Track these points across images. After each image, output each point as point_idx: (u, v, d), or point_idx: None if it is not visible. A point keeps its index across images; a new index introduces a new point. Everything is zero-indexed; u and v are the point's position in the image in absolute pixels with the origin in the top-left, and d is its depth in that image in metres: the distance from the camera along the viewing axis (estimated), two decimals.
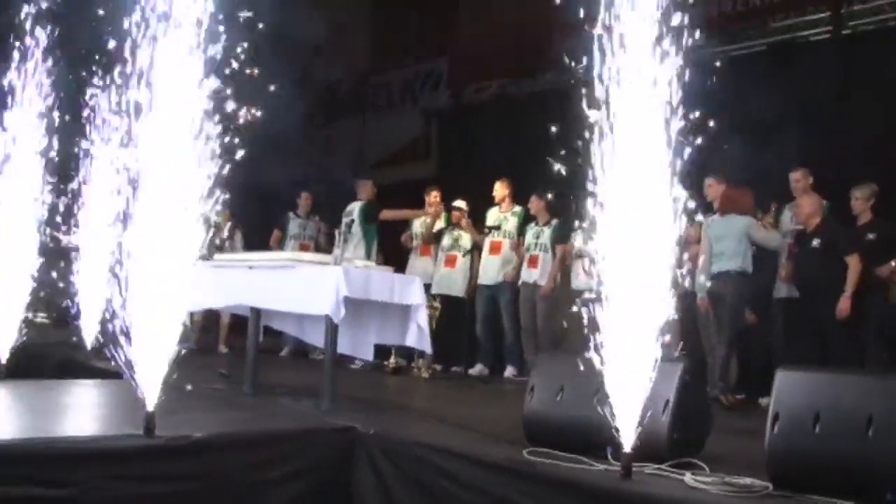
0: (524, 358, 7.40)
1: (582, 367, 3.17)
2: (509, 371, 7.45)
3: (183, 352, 3.27)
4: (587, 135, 3.12)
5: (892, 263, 5.28)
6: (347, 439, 3.73)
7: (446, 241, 7.78)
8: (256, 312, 5.02)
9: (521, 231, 7.55)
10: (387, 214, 7.71)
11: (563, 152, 3.27)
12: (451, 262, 7.78)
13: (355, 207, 7.57)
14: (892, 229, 5.40)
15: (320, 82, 13.31)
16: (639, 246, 3.03)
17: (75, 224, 6.08)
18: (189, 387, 3.67)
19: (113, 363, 3.27)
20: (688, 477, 2.91)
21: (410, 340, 4.53)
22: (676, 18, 3.03)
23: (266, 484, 3.43)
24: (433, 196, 7.96)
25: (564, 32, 10.15)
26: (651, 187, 3.07)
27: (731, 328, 5.55)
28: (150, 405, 3.20)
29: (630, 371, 2.97)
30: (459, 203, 7.74)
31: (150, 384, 3.21)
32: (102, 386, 4.70)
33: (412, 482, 3.52)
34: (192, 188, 3.30)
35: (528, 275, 7.38)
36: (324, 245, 8.59)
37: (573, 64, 3.45)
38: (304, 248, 8.55)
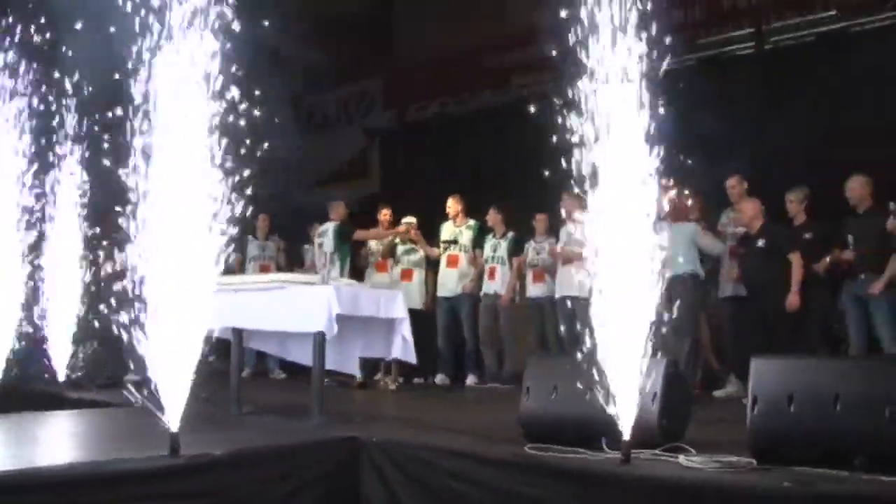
0: (484, 366, 7.74)
1: (572, 368, 3.48)
2: (470, 379, 7.73)
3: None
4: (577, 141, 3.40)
5: (827, 260, 5.79)
6: (352, 449, 3.92)
7: (401, 255, 8.02)
8: (238, 334, 5.18)
9: (478, 243, 7.85)
10: (360, 235, 7.88)
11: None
12: (407, 275, 8.04)
13: (329, 228, 7.70)
14: (826, 228, 5.91)
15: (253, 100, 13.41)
16: (623, 250, 3.35)
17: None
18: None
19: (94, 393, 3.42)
20: (681, 458, 3.23)
21: (396, 353, 4.75)
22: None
23: (283, 497, 3.60)
24: (384, 214, 8.20)
25: (496, 52, 10.64)
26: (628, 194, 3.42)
27: (690, 329, 5.95)
28: (174, 427, 3.35)
29: (624, 366, 3.28)
30: (409, 219, 7.99)
31: (173, 406, 3.36)
32: (98, 414, 4.76)
33: (419, 485, 3.72)
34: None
35: (488, 286, 7.72)
36: (283, 264, 8.74)
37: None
38: (264, 269, 8.68)
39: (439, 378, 7.83)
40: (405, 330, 4.72)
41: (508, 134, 9.06)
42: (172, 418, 3.35)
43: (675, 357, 5.98)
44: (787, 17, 7.78)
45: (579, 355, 3.43)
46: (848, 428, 3.02)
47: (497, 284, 7.69)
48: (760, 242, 5.81)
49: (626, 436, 3.26)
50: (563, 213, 7.32)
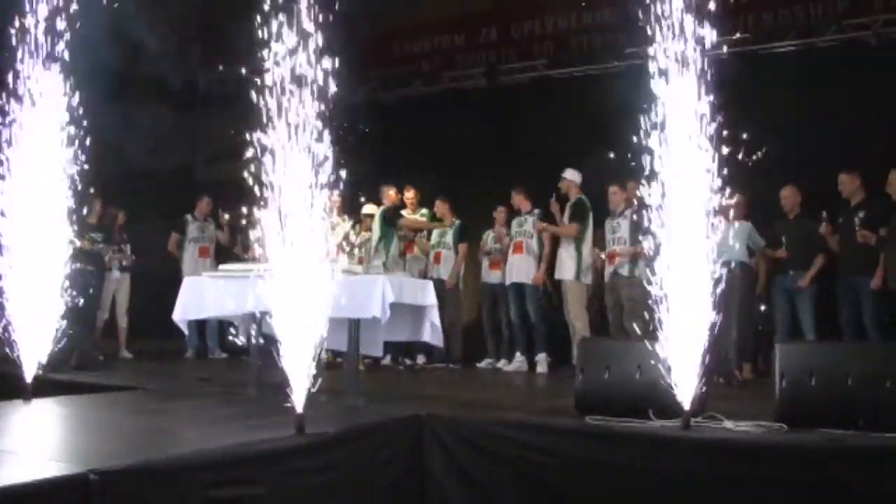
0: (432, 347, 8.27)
1: (625, 349, 4.14)
2: (420, 359, 8.21)
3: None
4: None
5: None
6: (417, 425, 4.36)
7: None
8: (258, 319, 5.41)
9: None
10: (408, 223, 8.04)
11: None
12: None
13: (376, 212, 7.86)
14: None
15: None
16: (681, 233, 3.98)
17: None
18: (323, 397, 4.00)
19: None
20: (727, 423, 3.98)
21: (426, 336, 5.20)
22: None
23: (375, 470, 4.01)
24: (410, 195, 8.50)
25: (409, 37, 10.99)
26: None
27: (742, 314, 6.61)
28: (300, 408, 3.68)
29: (683, 344, 3.95)
30: (369, 209, 8.33)
31: (299, 390, 3.68)
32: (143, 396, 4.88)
33: (485, 457, 4.20)
34: None
35: (435, 271, 8.26)
36: (225, 241, 8.80)
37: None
38: (203, 250, 8.71)
39: (387, 359, 8.24)
40: (434, 316, 5.18)
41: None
42: (298, 401, 3.67)
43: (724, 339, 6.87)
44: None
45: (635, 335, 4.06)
46: (856, 397, 3.88)
47: (442, 269, 8.27)
48: None
49: (687, 405, 3.95)
50: (515, 204, 8.04)
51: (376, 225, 7.67)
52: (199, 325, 8.61)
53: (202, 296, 5.36)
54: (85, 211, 7.87)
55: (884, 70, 7.48)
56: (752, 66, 8.25)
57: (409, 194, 8.42)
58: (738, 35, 8.29)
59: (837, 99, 7.39)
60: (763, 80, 7.97)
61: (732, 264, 6.60)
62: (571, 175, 7.59)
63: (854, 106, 7.39)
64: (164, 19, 8.13)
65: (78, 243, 7.62)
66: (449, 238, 8.33)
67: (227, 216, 8.68)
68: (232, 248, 8.68)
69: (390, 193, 7.99)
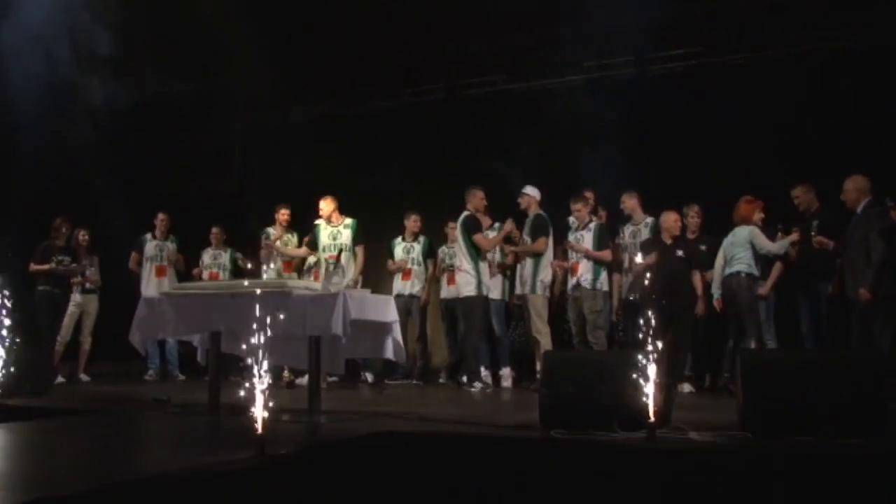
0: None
1: (590, 362, 4.12)
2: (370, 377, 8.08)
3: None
4: None
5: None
6: (380, 443, 4.28)
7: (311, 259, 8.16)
8: (217, 338, 5.31)
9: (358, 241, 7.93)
10: (479, 239, 7.50)
11: None
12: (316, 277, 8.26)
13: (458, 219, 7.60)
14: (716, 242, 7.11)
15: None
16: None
17: None
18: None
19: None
20: (692, 434, 3.97)
21: (389, 354, 5.13)
22: None
23: (337, 489, 3.91)
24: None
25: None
26: None
27: (751, 321, 6.64)
28: (260, 428, 3.58)
29: (648, 358, 3.95)
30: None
31: (259, 410, 3.58)
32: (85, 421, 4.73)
33: (448, 473, 4.14)
34: None
35: (403, 286, 8.18)
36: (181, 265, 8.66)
37: None
38: (160, 270, 8.53)
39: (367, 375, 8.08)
40: (396, 333, 5.12)
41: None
42: (258, 421, 3.58)
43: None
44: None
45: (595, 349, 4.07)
46: (819, 404, 3.90)
47: (410, 285, 8.20)
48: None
49: (652, 417, 3.93)
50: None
51: (460, 233, 7.50)
52: (161, 346, 8.45)
53: (158, 316, 5.24)
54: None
55: (838, 81, 7.64)
56: (704, 79, 8.41)
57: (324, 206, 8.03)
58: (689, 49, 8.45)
59: (791, 111, 7.51)
60: (716, 92, 8.11)
61: (740, 272, 6.71)
62: (531, 191, 7.57)
63: (809, 117, 7.54)
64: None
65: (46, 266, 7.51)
66: (417, 253, 8.28)
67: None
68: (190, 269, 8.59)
69: (476, 199, 7.63)
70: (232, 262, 8.79)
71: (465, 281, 7.37)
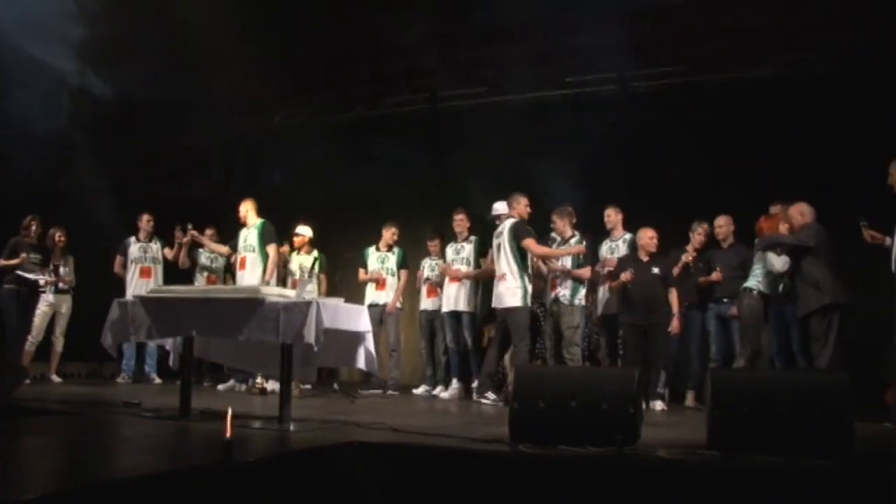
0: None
1: (560, 377, 4.13)
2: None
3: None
4: None
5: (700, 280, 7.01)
6: (350, 452, 4.26)
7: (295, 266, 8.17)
8: (189, 343, 5.27)
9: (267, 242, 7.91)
10: (530, 244, 7.07)
11: None
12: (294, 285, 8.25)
13: (505, 227, 7.20)
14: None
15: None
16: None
17: None
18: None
19: None
20: (661, 451, 3.98)
21: (361, 364, 5.10)
22: None
23: (306, 497, 3.89)
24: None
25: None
26: None
27: (752, 338, 6.62)
28: (228, 433, 3.55)
29: (615, 374, 3.98)
30: (302, 230, 8.21)
31: (229, 415, 3.56)
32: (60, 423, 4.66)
33: (417, 485, 4.12)
34: None
35: (377, 296, 8.17)
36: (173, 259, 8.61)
37: None
38: (145, 271, 8.48)
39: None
40: (370, 342, 5.10)
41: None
42: (227, 426, 3.55)
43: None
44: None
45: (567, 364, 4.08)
46: (787, 423, 3.93)
47: (384, 295, 8.19)
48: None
49: (619, 433, 3.94)
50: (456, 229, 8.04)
51: (505, 239, 7.15)
52: (140, 348, 8.39)
53: (131, 319, 5.19)
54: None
55: (818, 102, 7.74)
56: (685, 97, 8.49)
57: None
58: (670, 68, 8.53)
59: (771, 130, 7.60)
60: (697, 111, 8.19)
61: (752, 290, 6.71)
62: (501, 207, 7.51)
63: (788, 137, 7.63)
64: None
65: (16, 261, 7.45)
66: (392, 263, 8.29)
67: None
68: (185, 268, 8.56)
69: (519, 206, 7.32)
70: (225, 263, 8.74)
71: (510, 291, 6.97)
